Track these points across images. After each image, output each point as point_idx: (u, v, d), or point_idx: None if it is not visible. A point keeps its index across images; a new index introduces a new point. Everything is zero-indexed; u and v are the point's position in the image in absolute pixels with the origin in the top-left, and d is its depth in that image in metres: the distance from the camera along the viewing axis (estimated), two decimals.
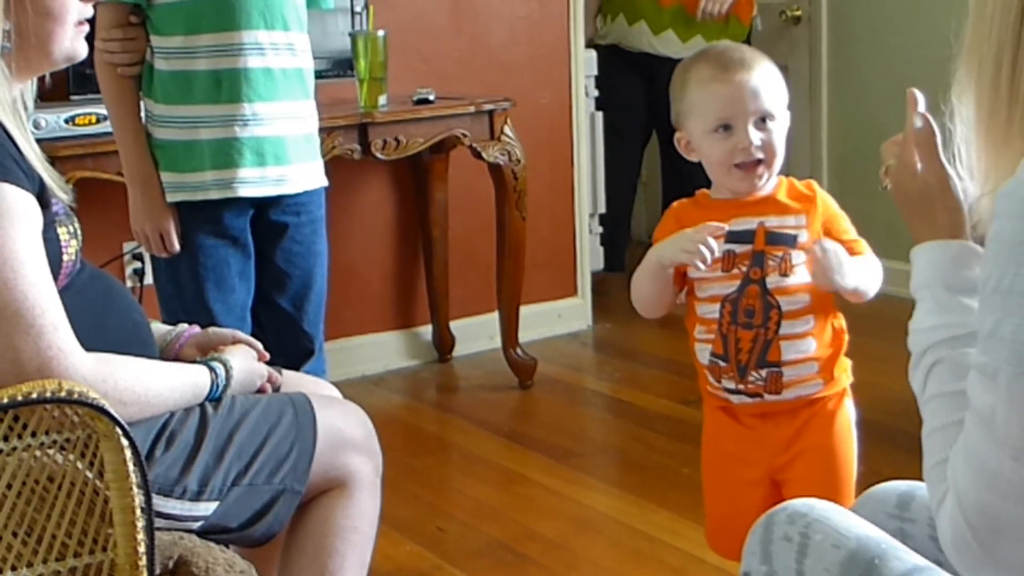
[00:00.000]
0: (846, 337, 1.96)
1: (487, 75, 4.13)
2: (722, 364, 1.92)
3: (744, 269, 1.89)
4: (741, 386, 1.91)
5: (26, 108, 1.76)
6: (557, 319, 4.30)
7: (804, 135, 4.99)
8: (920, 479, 1.35)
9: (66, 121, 3.08)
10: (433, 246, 4.07)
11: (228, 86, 2.45)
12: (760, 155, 1.89)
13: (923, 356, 1.29)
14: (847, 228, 1.96)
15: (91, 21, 1.71)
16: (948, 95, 1.25)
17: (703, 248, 1.84)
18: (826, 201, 1.95)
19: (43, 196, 1.57)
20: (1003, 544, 1.10)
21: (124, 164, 2.53)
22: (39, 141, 2.31)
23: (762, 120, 1.89)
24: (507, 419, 3.64)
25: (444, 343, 4.15)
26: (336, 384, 2.12)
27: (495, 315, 3.99)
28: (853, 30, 4.81)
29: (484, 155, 3.74)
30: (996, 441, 1.09)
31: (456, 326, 4.16)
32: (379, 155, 3.54)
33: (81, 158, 3.06)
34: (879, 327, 4.31)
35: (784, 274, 1.88)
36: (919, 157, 1.39)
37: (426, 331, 4.17)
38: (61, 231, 1.62)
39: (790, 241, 1.90)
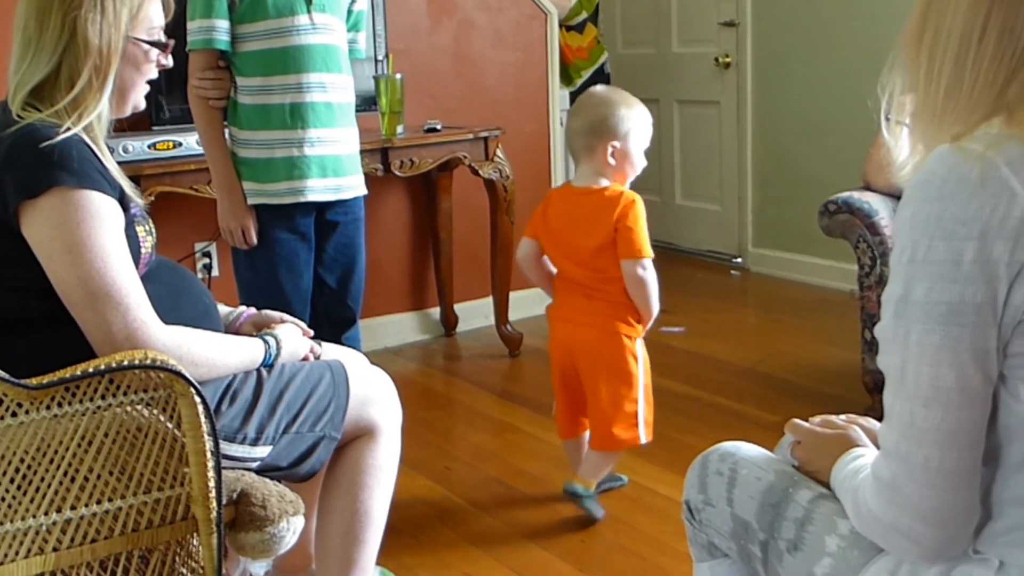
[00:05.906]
0: None
1: (482, 110, 4.12)
2: None
3: None
4: None
5: (110, 132, 1.76)
6: (539, 301, 4.27)
7: (733, 157, 4.95)
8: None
9: (149, 146, 3.06)
10: (440, 245, 4.06)
11: (298, 116, 2.47)
12: None
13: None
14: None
15: (157, 77, 1.70)
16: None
17: None
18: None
19: (123, 200, 1.56)
20: (910, 487, 1.02)
21: (213, 176, 2.53)
22: (127, 163, 2.30)
23: None
24: (500, 381, 3.63)
25: (449, 321, 4.13)
26: (365, 354, 2.11)
27: (490, 299, 3.99)
28: (772, 74, 4.80)
29: (481, 172, 3.74)
30: (908, 396, 1.02)
31: (459, 308, 4.15)
32: (397, 173, 3.53)
33: (160, 176, 3.05)
34: (792, 307, 4.33)
35: None
36: (803, 439, 1.33)
37: (435, 312, 4.16)
38: (139, 229, 1.61)
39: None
